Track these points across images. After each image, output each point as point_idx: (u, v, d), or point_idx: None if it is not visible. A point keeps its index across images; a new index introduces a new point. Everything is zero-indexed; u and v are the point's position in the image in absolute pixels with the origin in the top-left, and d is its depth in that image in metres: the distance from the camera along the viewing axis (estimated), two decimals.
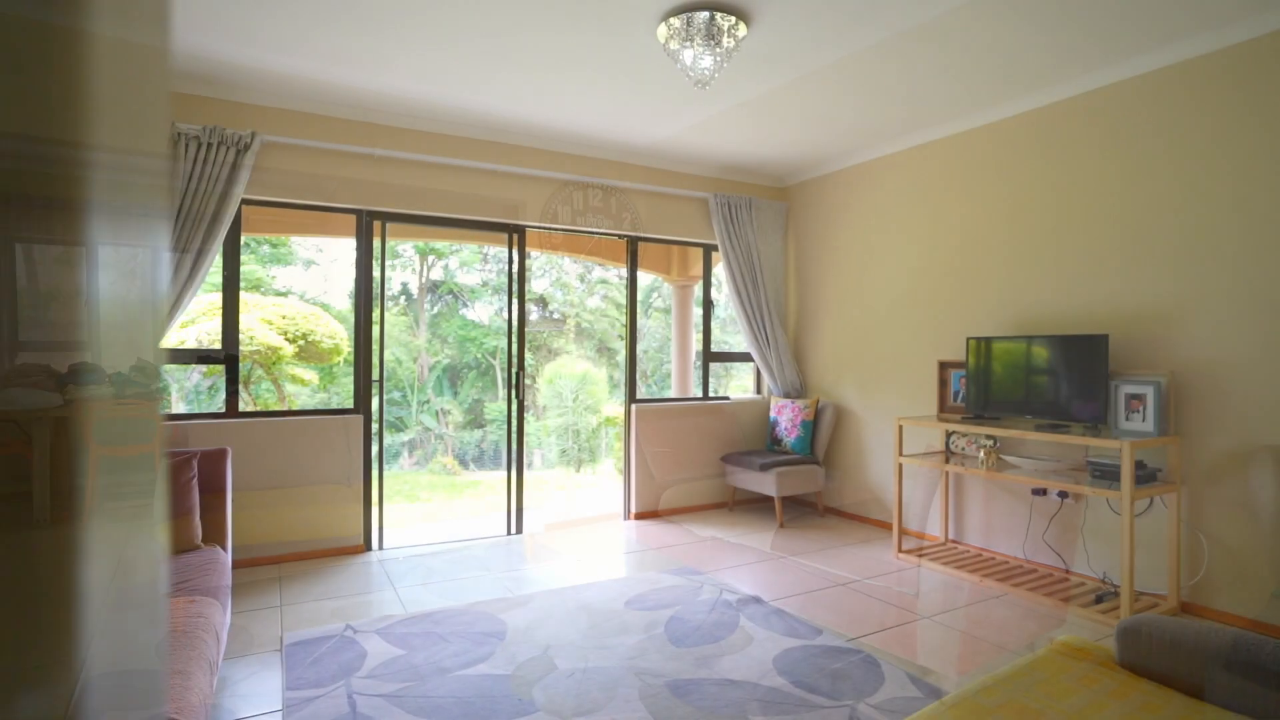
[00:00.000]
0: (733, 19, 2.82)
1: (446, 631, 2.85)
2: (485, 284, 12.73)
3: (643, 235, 4.95)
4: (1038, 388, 3.51)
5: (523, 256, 4.53)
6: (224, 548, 2.53)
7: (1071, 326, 3.54)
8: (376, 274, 4.07)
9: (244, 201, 3.69)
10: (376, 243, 4.07)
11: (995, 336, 3.72)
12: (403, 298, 14.94)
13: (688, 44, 2.83)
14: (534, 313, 16.25)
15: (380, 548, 4.10)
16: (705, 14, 2.79)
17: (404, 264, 15.37)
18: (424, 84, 3.58)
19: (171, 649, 1.59)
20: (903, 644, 2.78)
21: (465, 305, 12.89)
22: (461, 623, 2.94)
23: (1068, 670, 1.59)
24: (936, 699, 1.94)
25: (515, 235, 4.50)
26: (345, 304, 13.66)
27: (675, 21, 2.82)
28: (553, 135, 4.41)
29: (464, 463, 12.23)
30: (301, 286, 11.20)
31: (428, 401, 13.09)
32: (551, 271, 16.35)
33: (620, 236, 4.92)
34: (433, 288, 15.68)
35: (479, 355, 12.38)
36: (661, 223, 4.98)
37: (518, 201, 4.44)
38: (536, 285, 16.02)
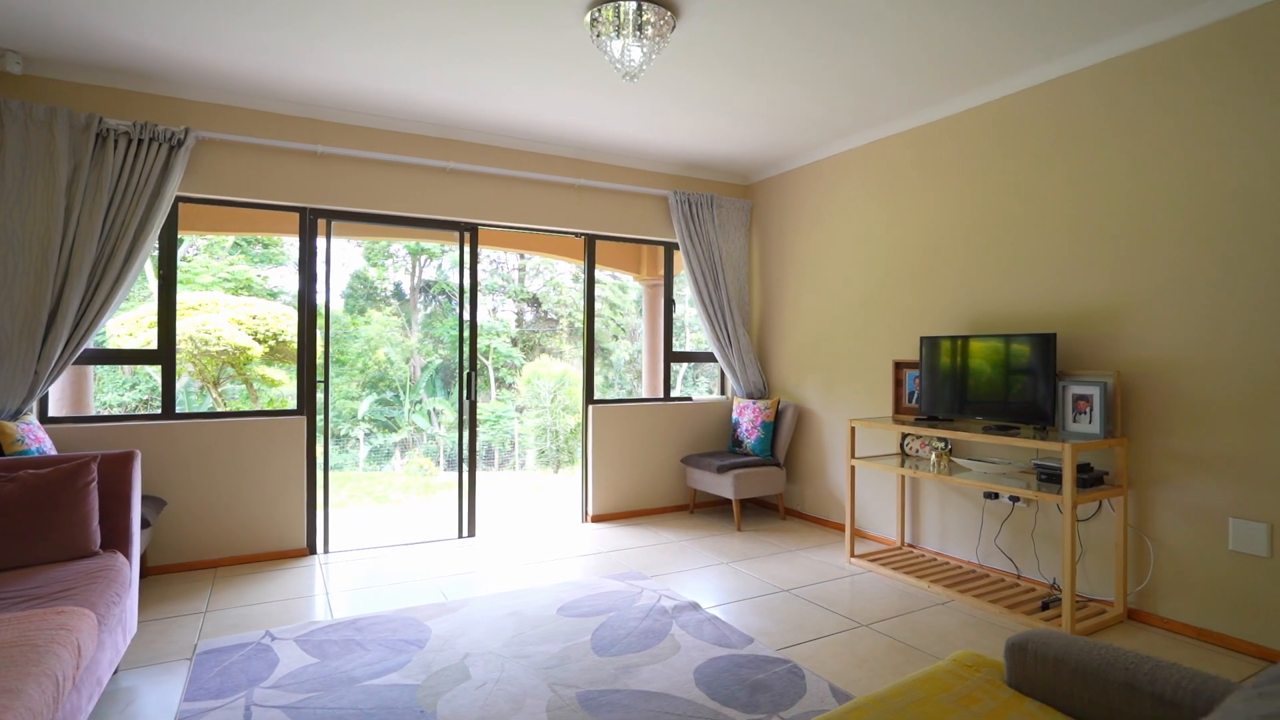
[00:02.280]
0: (662, 9, 2.74)
1: (367, 639, 2.77)
2: (479, 284, 12.55)
3: (600, 233, 4.87)
4: (988, 388, 3.42)
5: (474, 255, 4.45)
6: (126, 554, 2.45)
7: (1023, 325, 3.46)
8: (320, 272, 4.00)
9: (179, 199, 3.63)
10: (321, 241, 4.00)
11: (946, 335, 3.64)
12: (395, 299, 14.86)
13: (614, 36, 2.76)
14: (528, 313, 16.17)
15: (326, 551, 4.03)
16: (633, 3, 2.72)
17: (396, 264, 15.30)
18: (367, 79, 3.50)
19: (2, 665, 1.52)
20: (835, 654, 2.70)
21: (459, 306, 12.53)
22: (386, 629, 2.87)
23: (953, 688, 1.51)
24: None
25: (467, 234, 4.42)
26: (338, 304, 13.56)
27: (601, 11, 2.74)
28: (504, 132, 4.34)
29: (452, 463, 12.15)
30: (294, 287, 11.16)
31: (420, 402, 13.03)
32: (545, 272, 16.26)
33: (577, 235, 4.84)
34: (425, 288, 15.61)
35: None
36: (621, 221, 4.90)
37: (470, 199, 4.37)
38: (531, 285, 15.94)
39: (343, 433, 11.67)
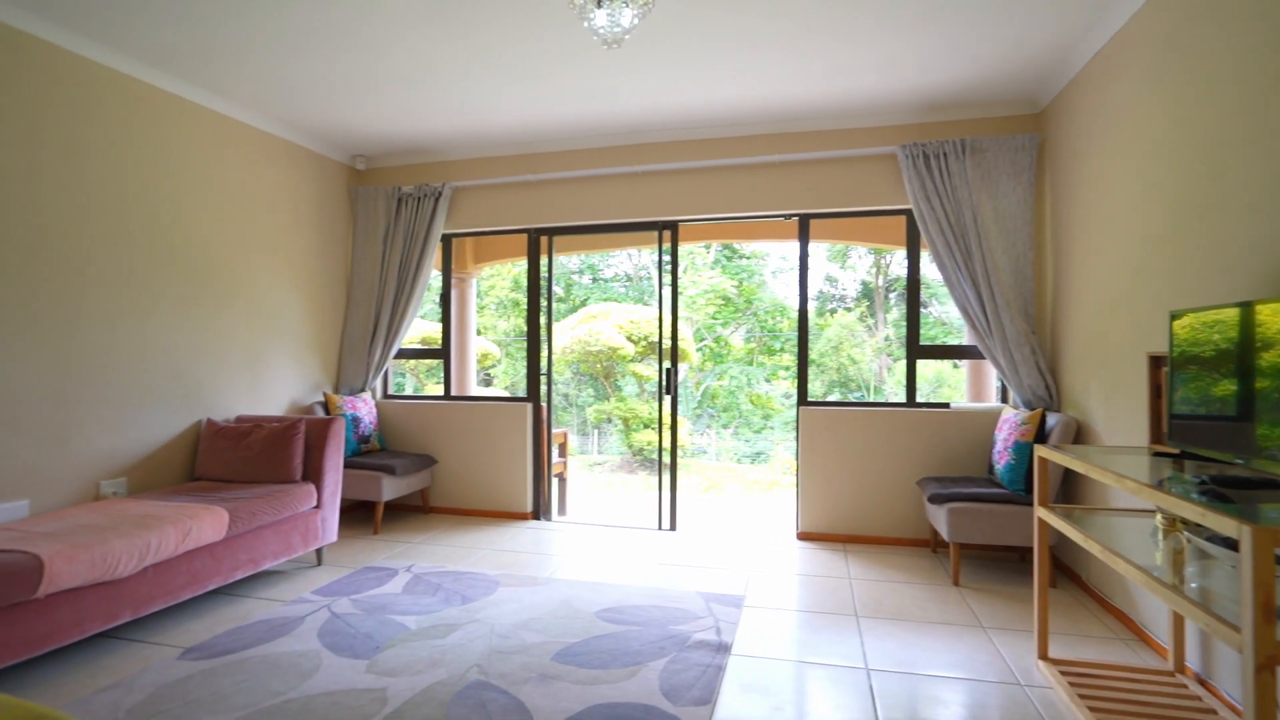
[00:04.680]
0: None
1: (444, 584, 3.31)
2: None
3: (813, 211, 4.26)
4: None
5: (674, 253, 4.50)
6: (318, 485, 3.60)
7: None
8: (544, 283, 4.74)
9: (444, 236, 4.86)
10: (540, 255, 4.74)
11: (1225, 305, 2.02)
12: (865, 300, 15.03)
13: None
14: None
15: (549, 519, 4.74)
16: None
17: (853, 264, 15.44)
18: (565, 107, 4.00)
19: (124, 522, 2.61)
20: None
21: (927, 304, 11.62)
22: (464, 583, 3.35)
23: None
24: None
25: (666, 232, 4.52)
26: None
27: None
28: (699, 123, 4.27)
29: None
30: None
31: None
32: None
33: (787, 217, 4.35)
34: (890, 286, 15.36)
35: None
36: (838, 193, 4.18)
37: (668, 197, 4.46)
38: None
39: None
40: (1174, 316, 2.14)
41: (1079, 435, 3.34)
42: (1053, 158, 3.71)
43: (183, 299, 3.71)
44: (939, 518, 3.50)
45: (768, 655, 2.62)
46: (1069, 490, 3.50)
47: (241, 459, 3.57)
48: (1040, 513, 2.44)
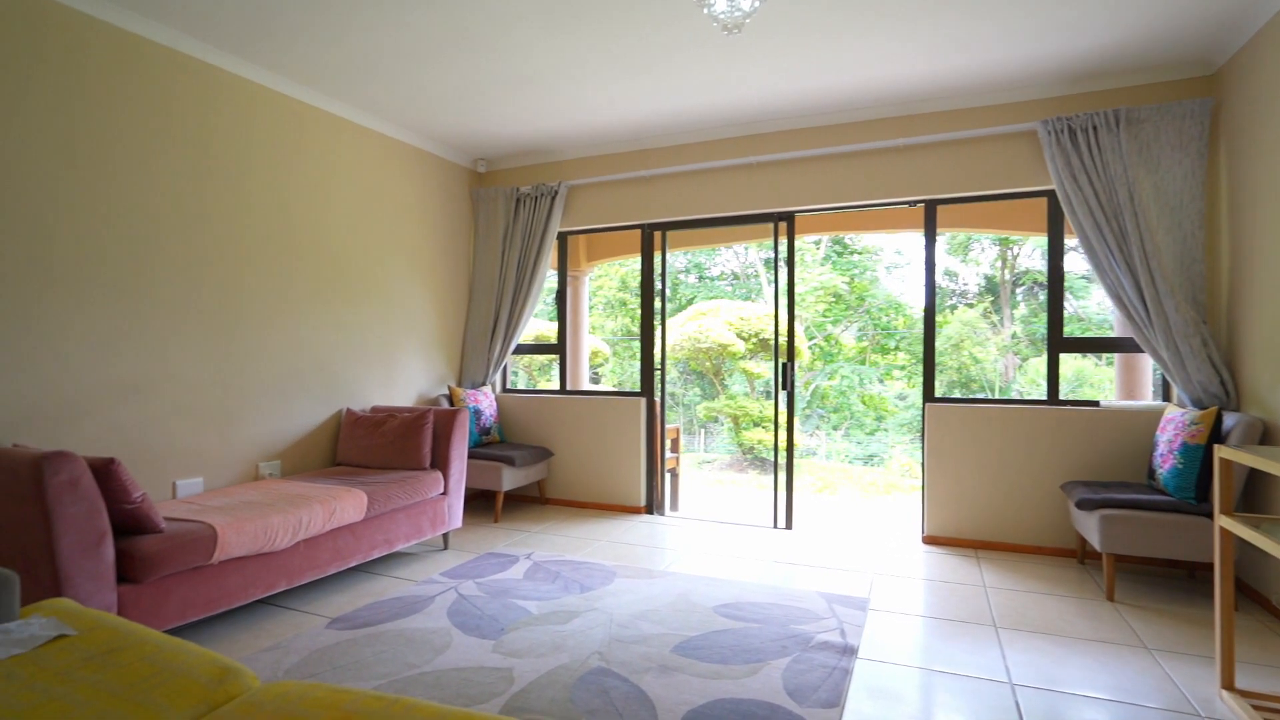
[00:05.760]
0: None
1: (563, 573, 3.38)
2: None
3: (941, 197, 4.01)
4: None
5: (791, 244, 4.38)
6: (444, 473, 3.77)
7: None
8: (657, 278, 4.75)
9: (560, 235, 4.97)
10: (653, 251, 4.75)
11: None
12: (989, 295, 14.18)
13: None
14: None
15: (663, 513, 4.74)
16: None
17: (974, 257, 14.57)
18: (679, 99, 3.98)
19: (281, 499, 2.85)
20: None
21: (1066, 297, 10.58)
22: (580, 572, 3.40)
23: None
24: None
25: (781, 223, 4.40)
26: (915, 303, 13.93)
27: None
28: (817, 110, 4.14)
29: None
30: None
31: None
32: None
33: (911, 204, 4.12)
34: (1017, 280, 14.40)
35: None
36: (969, 176, 3.91)
37: (783, 187, 4.34)
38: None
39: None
40: None
41: (1265, 437, 2.93)
42: (1229, 124, 3.29)
43: (324, 297, 4.01)
44: (1089, 525, 3.18)
45: (897, 661, 2.48)
46: (1250, 500, 3.09)
47: (377, 446, 3.81)
48: (1223, 522, 2.15)
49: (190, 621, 2.55)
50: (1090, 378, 9.58)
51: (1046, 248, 3.87)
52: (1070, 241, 4.01)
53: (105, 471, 2.33)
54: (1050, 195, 3.80)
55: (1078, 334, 10.30)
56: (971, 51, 3.34)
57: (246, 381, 3.56)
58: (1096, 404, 3.70)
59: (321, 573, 3.05)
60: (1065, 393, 9.74)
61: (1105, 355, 9.22)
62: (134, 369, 3.05)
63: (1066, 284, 9.97)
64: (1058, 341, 3.81)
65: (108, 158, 2.96)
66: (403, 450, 3.74)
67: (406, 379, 4.63)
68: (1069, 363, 9.61)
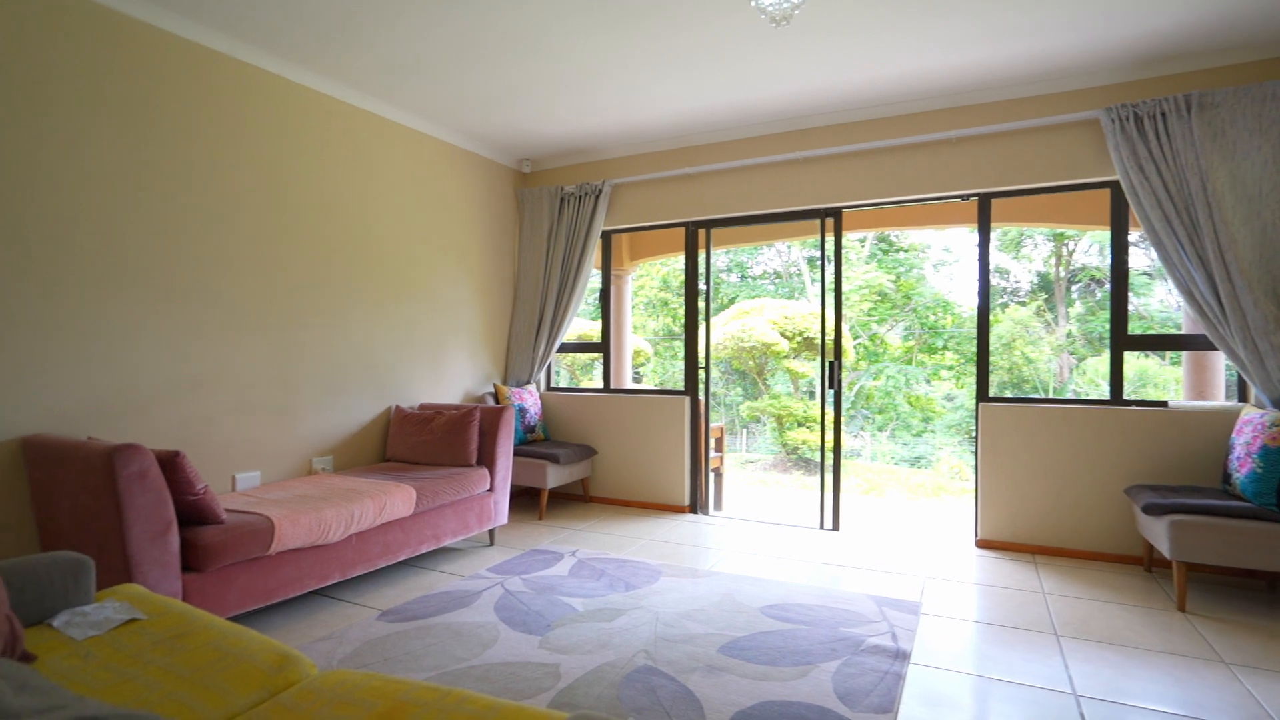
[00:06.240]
0: None
1: (607, 570, 3.38)
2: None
3: (996, 190, 3.88)
4: None
5: (838, 241, 4.29)
6: (490, 469, 3.81)
7: None
8: (702, 276, 4.71)
9: (603, 234, 4.98)
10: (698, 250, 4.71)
11: None
12: (1042, 293, 13.74)
13: None
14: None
15: (707, 513, 4.71)
16: None
17: (1027, 254, 14.12)
18: (725, 95, 3.95)
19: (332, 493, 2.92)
20: None
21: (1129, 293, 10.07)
22: (625, 570, 3.39)
23: None
24: None
25: (828, 220, 4.32)
26: (969, 301, 13.56)
27: None
28: (863, 104, 4.05)
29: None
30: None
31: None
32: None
33: (964, 197, 3.99)
34: (1073, 277, 13.91)
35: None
36: (1025, 168, 3.77)
37: (830, 184, 4.27)
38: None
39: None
40: None
41: None
42: None
43: (376, 298, 4.10)
44: (1157, 532, 3.04)
45: (953, 668, 2.40)
46: None
47: (425, 443, 3.88)
48: None
49: (249, 610, 2.63)
50: (1155, 377, 9.16)
51: (1109, 242, 3.70)
52: (1134, 235, 3.84)
53: (171, 464, 2.42)
54: (1113, 186, 3.64)
55: (1140, 332, 9.83)
56: (1032, 37, 3.22)
57: (301, 379, 3.66)
58: (1165, 404, 3.53)
59: (372, 566, 3.12)
60: (1128, 393, 9.34)
61: (1171, 354, 8.82)
62: (198, 366, 3.16)
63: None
64: (1122, 339, 3.65)
65: (181, 170, 3.08)
66: (450, 447, 3.80)
67: (453, 377, 4.70)
68: (1131, 362, 9.21)
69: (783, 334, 8.17)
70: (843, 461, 4.36)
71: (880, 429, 11.96)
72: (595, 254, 4.95)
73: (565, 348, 5.38)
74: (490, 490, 3.83)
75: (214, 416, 3.24)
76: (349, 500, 2.99)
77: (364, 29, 3.19)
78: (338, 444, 3.87)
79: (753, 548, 3.90)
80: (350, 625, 2.74)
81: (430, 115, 4.28)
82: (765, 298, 9.45)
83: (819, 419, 4.42)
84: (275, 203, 3.51)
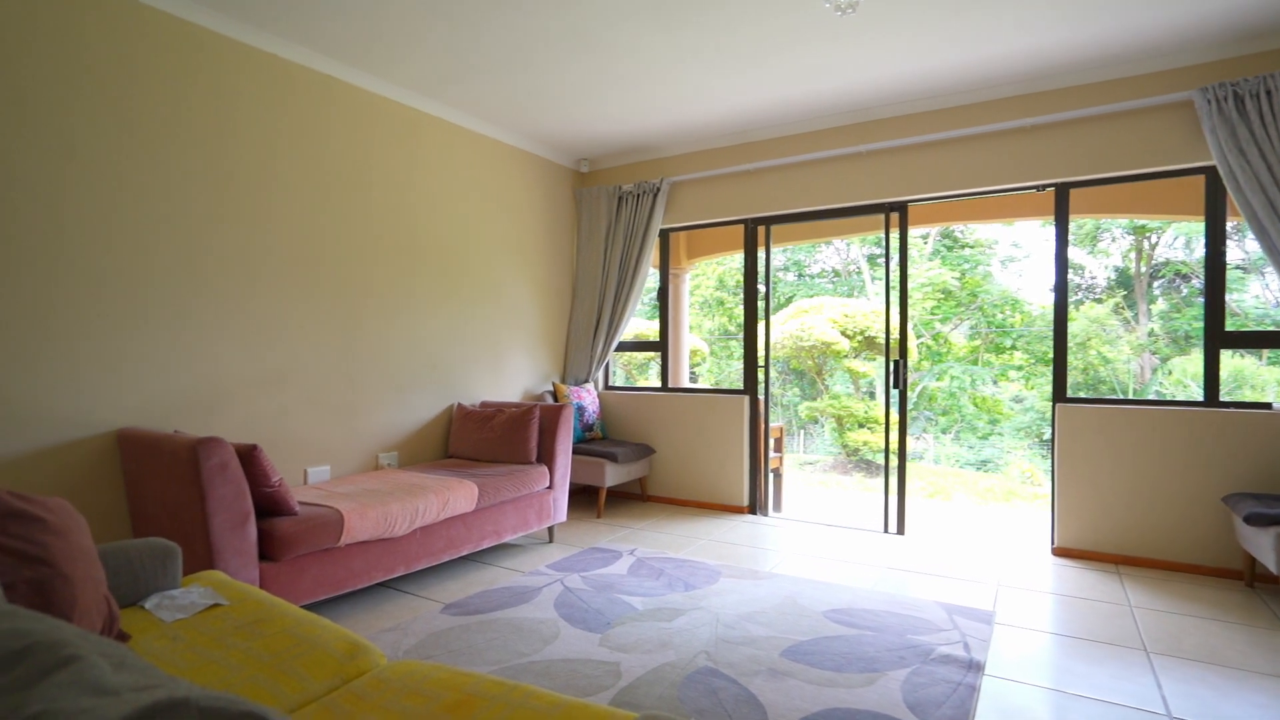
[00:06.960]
0: None
1: (666, 569, 3.36)
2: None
3: (1075, 179, 3.67)
4: None
5: (903, 236, 4.15)
6: (550, 467, 3.84)
7: None
8: (761, 274, 4.64)
9: (662, 231, 4.95)
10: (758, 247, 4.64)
11: None
12: (1120, 289, 13.09)
13: None
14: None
15: (766, 514, 4.63)
16: None
17: (1104, 248, 13.48)
18: (784, 88, 3.87)
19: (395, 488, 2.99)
20: None
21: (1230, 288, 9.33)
22: (684, 570, 3.36)
23: None
24: None
25: (893, 214, 4.19)
26: (1043, 298, 13.00)
27: None
28: (928, 94, 3.91)
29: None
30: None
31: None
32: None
33: (1039, 188, 3.80)
34: (1156, 272, 13.21)
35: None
36: (1108, 154, 3.57)
37: (894, 176, 4.13)
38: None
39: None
40: None
41: None
42: None
43: (438, 297, 4.19)
44: (1261, 544, 2.82)
45: (1031, 681, 2.28)
46: None
47: (485, 440, 3.94)
48: None
49: (319, 600, 2.72)
50: (1251, 378, 8.54)
51: (1203, 233, 3.46)
52: (1231, 224, 3.58)
53: (249, 457, 2.52)
54: (1209, 172, 3.40)
55: (1234, 329, 9.19)
56: (1114, 17, 3.04)
57: (369, 377, 3.77)
58: (1269, 406, 3.28)
59: (435, 560, 3.18)
60: (1224, 394, 8.74)
61: (1269, 353, 8.20)
62: (274, 364, 3.30)
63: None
64: (1218, 337, 3.40)
65: (265, 178, 3.22)
66: (510, 444, 3.85)
67: (513, 375, 4.76)
68: (1226, 362, 8.62)
69: (843, 333, 7.98)
70: (907, 463, 4.22)
71: (944, 431, 11.55)
72: (653, 252, 4.94)
73: (623, 346, 5.39)
74: (550, 488, 3.86)
75: (288, 412, 3.37)
76: (414, 495, 3.06)
77: (432, 37, 3.26)
78: (402, 440, 3.97)
79: (814, 550, 3.81)
80: (415, 617, 2.81)
81: (489, 117, 4.35)
82: (824, 296, 9.26)
83: (881, 420, 4.29)
84: (349, 207, 3.63)
